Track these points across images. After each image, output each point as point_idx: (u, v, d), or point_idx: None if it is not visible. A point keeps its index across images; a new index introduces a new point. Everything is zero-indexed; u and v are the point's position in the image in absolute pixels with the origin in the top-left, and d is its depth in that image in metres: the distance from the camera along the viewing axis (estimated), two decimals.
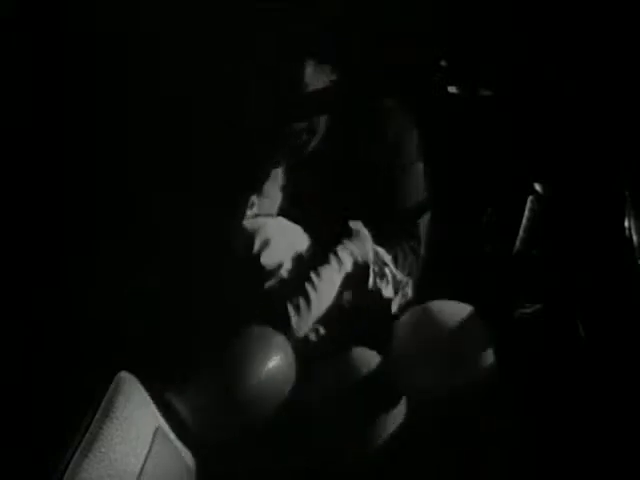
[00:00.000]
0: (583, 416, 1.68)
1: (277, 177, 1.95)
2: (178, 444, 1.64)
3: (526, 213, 1.81)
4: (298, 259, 1.82)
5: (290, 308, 1.76)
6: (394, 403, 1.67)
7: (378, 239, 1.84)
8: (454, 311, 1.67)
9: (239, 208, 1.87)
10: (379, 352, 1.73)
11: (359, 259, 1.81)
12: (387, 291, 1.83)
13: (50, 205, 2.15)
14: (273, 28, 1.96)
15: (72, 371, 1.82)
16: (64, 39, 2.14)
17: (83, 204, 2.16)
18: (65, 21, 2.15)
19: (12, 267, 2.07)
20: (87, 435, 1.46)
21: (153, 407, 1.61)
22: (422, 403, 1.70)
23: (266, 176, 1.93)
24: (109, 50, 2.15)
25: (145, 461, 1.50)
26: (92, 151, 2.16)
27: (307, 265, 1.81)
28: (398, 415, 1.68)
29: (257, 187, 1.92)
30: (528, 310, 1.74)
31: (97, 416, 1.50)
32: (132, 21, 2.13)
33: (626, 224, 1.75)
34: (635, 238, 1.73)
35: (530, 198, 1.80)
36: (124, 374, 1.59)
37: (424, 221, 1.91)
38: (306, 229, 1.89)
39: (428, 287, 1.89)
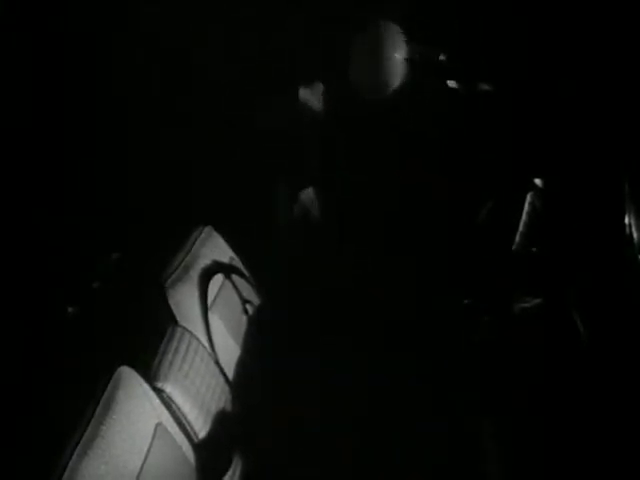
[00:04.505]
0: (582, 411, 1.68)
1: None
2: (179, 439, 1.62)
3: (526, 209, 1.81)
4: None
5: None
6: None
7: None
8: None
9: None
10: None
11: None
12: None
13: (50, 205, 2.15)
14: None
15: (72, 367, 1.81)
16: (64, 39, 2.15)
17: (83, 204, 2.16)
18: (65, 21, 2.15)
19: (12, 267, 2.07)
20: (87, 432, 1.44)
21: (154, 402, 1.59)
22: None
23: None
24: (109, 50, 2.16)
25: (146, 457, 1.49)
26: (92, 151, 2.17)
27: None
28: None
29: None
30: (528, 305, 1.74)
31: (97, 412, 1.48)
32: (132, 21, 2.14)
33: (626, 220, 1.75)
34: (635, 234, 1.73)
35: (530, 194, 1.80)
36: (124, 369, 1.58)
37: None
38: None
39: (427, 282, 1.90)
